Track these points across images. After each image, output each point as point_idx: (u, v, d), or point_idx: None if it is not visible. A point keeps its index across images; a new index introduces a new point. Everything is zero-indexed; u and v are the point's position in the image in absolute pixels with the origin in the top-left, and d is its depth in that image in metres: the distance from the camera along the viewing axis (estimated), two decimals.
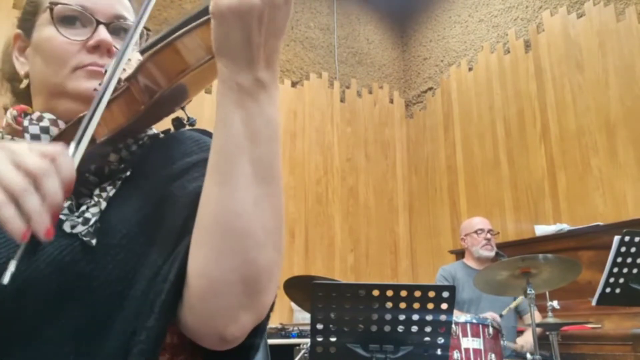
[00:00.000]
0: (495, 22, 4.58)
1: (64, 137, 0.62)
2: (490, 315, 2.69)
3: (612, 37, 3.61)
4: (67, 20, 0.68)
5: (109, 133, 0.60)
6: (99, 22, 0.68)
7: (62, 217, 0.58)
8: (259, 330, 0.58)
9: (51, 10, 0.67)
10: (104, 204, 0.61)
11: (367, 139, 5.08)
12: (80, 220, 0.58)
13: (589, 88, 3.71)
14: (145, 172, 0.65)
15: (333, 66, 5.08)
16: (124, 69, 0.62)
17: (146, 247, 0.58)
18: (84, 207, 0.60)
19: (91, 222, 0.58)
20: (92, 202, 0.61)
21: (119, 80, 0.60)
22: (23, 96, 0.72)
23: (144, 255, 0.57)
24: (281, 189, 0.54)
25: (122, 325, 0.54)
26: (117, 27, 0.70)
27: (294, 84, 4.79)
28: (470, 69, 4.76)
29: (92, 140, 0.59)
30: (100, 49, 0.67)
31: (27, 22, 0.72)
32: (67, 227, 0.58)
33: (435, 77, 5.16)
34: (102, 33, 0.68)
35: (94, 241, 0.56)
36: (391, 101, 5.38)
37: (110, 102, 0.59)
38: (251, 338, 0.57)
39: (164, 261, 0.55)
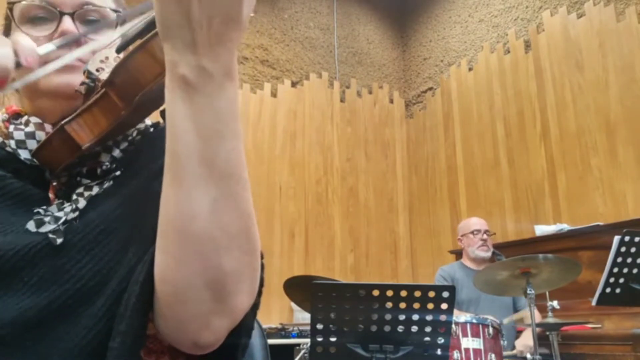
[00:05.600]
0: (495, 22, 4.58)
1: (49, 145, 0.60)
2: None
3: (612, 37, 3.61)
4: (32, 16, 0.66)
5: (94, 138, 0.58)
6: (62, 13, 0.66)
7: (41, 216, 0.58)
8: (243, 329, 0.56)
9: (11, 10, 0.65)
10: (82, 203, 0.60)
11: (367, 139, 5.08)
12: (47, 219, 0.57)
13: (589, 88, 3.71)
14: (134, 169, 0.64)
15: (333, 66, 5.08)
16: (103, 68, 0.61)
17: (124, 244, 0.57)
18: (62, 207, 0.59)
19: (61, 221, 0.57)
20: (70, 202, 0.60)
21: (98, 83, 0.59)
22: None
23: (121, 253, 0.56)
24: (246, 188, 0.50)
25: (87, 320, 0.52)
26: (83, 14, 0.68)
27: (294, 84, 4.79)
28: (470, 69, 4.76)
29: (77, 146, 0.58)
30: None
31: (6, 28, 0.71)
32: (31, 227, 0.57)
33: (435, 77, 5.16)
34: (66, 23, 0.65)
35: (59, 240, 0.55)
36: (391, 101, 5.38)
37: (90, 107, 0.58)
38: (235, 338, 0.55)
39: (137, 261, 0.54)
